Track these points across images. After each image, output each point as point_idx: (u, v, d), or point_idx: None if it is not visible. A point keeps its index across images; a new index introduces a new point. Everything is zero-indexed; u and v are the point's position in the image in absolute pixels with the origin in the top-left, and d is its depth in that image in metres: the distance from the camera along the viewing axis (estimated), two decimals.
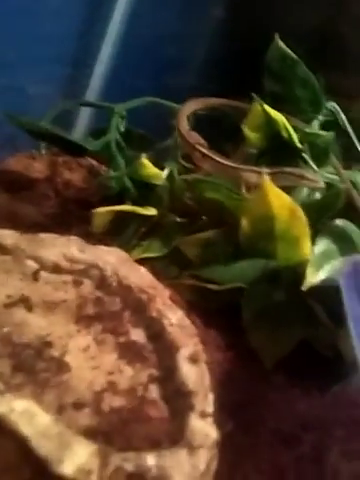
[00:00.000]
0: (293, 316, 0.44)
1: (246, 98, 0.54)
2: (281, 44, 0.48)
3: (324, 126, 0.53)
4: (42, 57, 0.55)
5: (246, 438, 0.39)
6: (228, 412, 0.38)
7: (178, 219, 0.46)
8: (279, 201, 0.40)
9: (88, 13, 0.59)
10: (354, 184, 0.49)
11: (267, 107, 0.45)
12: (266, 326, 0.44)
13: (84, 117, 0.60)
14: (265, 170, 0.42)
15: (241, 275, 0.44)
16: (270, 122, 0.45)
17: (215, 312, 0.44)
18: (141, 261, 0.43)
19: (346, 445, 0.39)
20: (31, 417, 0.27)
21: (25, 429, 0.26)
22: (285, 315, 0.44)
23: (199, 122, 0.55)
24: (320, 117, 0.52)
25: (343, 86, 0.61)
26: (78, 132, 0.60)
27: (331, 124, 0.54)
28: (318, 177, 0.43)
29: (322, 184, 0.43)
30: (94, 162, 0.58)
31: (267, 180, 0.40)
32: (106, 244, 0.42)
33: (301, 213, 0.40)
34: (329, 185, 0.49)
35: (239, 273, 0.45)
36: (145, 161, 0.44)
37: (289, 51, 0.48)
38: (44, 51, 0.55)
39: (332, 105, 0.54)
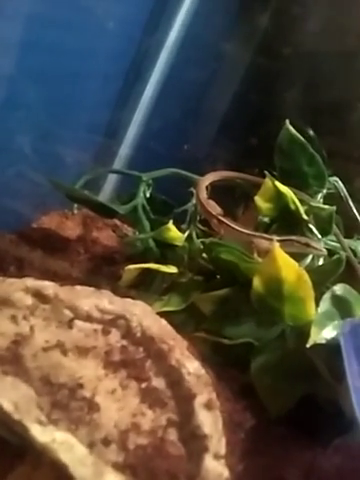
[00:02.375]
0: (297, 372, 0.48)
1: (255, 168, 0.61)
2: (291, 128, 0.55)
3: (328, 198, 0.59)
4: (78, 126, 0.62)
5: None
6: (237, 457, 0.41)
7: (195, 277, 0.50)
8: (287, 266, 0.45)
9: (122, 88, 0.66)
10: (354, 252, 0.55)
11: (277, 183, 0.51)
12: (272, 380, 0.47)
13: (110, 182, 0.67)
14: (275, 237, 0.47)
15: (251, 331, 0.48)
16: (279, 195, 0.51)
17: (226, 365, 0.48)
18: (161, 314, 0.47)
19: None
20: (70, 447, 0.31)
21: (64, 457, 0.30)
22: (290, 370, 0.48)
23: (214, 189, 0.61)
24: (324, 190, 0.58)
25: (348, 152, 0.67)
26: (104, 195, 0.67)
27: (334, 196, 0.60)
28: (321, 245, 0.48)
29: (325, 252, 0.48)
30: (117, 222, 0.64)
31: (277, 247, 0.45)
32: (131, 297, 0.47)
33: (306, 277, 0.45)
34: (331, 252, 0.54)
35: (249, 329, 0.49)
36: (171, 226, 0.50)
37: (297, 134, 0.54)
38: (80, 120, 0.62)
39: (335, 180, 0.61)
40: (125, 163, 0.67)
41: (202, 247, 0.52)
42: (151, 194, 0.60)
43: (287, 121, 0.54)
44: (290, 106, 0.69)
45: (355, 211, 0.59)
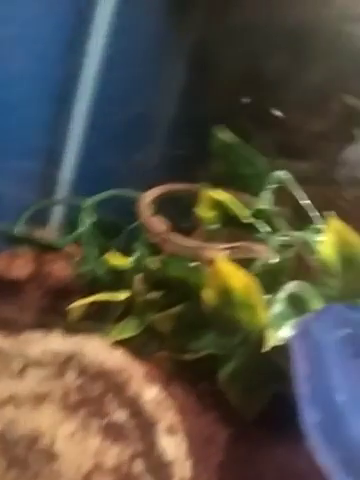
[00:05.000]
0: (265, 374, 0.48)
1: (204, 174, 0.60)
2: (220, 134, 0.54)
3: (276, 193, 0.59)
4: (14, 157, 0.60)
5: None
6: (212, 471, 0.42)
7: (149, 298, 0.50)
8: (233, 274, 0.45)
9: (53, 112, 0.65)
10: (307, 244, 0.55)
11: (212, 193, 0.50)
12: (241, 385, 0.47)
13: (58, 209, 0.66)
14: (219, 247, 0.47)
15: (212, 342, 0.48)
16: (219, 204, 0.50)
17: (194, 379, 0.48)
18: (119, 342, 0.47)
19: None
20: None
21: None
22: (257, 373, 0.48)
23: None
24: (269, 186, 0.58)
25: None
26: (54, 222, 0.66)
27: (282, 190, 0.60)
28: (266, 248, 0.48)
29: (270, 255, 0.47)
30: (71, 248, 0.62)
31: (219, 257, 0.45)
32: (86, 330, 0.46)
33: (254, 283, 0.45)
34: (285, 247, 0.54)
35: (210, 341, 0.48)
36: (110, 256, 0.50)
37: (228, 138, 0.54)
38: (15, 151, 0.61)
39: (281, 173, 0.60)
40: (70, 187, 0.67)
41: (152, 266, 0.51)
42: (99, 218, 0.59)
43: (215, 128, 0.53)
44: (228, 107, 0.68)
45: (304, 202, 0.59)
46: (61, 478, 0.35)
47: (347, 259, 0.46)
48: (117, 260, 0.50)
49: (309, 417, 0.33)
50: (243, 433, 0.46)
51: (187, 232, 0.56)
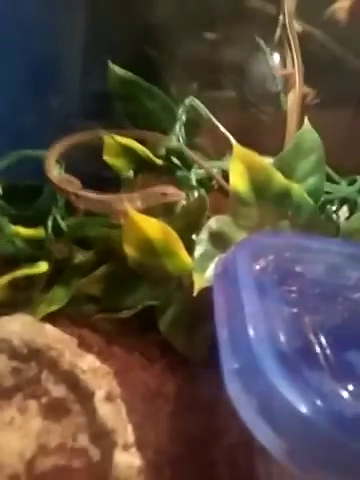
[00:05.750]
0: (205, 314, 0.47)
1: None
2: (116, 68, 0.50)
3: (189, 122, 0.55)
4: None
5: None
6: (162, 426, 0.42)
7: (73, 263, 0.48)
8: (147, 224, 0.43)
9: None
10: (225, 173, 0.52)
11: (117, 138, 0.47)
12: (184, 329, 0.46)
13: None
14: (130, 197, 0.45)
15: (147, 294, 0.47)
16: (126, 149, 0.47)
17: (137, 334, 0.47)
18: (50, 314, 0.45)
19: None
20: None
21: None
22: (198, 315, 0.47)
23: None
24: (182, 117, 0.54)
25: None
26: None
27: (195, 119, 0.56)
28: (178, 190, 0.45)
29: (183, 197, 0.45)
30: None
31: (131, 209, 0.43)
32: (11, 307, 0.45)
33: (169, 229, 0.43)
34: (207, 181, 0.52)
35: (145, 293, 0.47)
36: (16, 230, 0.47)
37: (125, 72, 0.50)
38: None
39: (191, 100, 0.56)
40: None
41: (70, 229, 0.49)
42: (10, 184, 0.55)
43: (109, 62, 0.49)
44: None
45: (220, 129, 0.56)
46: (4, 468, 0.35)
47: (259, 186, 0.44)
48: (26, 233, 0.47)
49: (227, 364, 0.32)
50: (193, 379, 0.45)
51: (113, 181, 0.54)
